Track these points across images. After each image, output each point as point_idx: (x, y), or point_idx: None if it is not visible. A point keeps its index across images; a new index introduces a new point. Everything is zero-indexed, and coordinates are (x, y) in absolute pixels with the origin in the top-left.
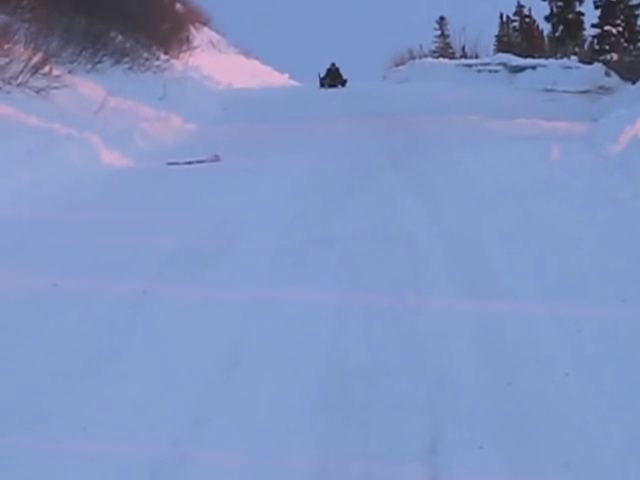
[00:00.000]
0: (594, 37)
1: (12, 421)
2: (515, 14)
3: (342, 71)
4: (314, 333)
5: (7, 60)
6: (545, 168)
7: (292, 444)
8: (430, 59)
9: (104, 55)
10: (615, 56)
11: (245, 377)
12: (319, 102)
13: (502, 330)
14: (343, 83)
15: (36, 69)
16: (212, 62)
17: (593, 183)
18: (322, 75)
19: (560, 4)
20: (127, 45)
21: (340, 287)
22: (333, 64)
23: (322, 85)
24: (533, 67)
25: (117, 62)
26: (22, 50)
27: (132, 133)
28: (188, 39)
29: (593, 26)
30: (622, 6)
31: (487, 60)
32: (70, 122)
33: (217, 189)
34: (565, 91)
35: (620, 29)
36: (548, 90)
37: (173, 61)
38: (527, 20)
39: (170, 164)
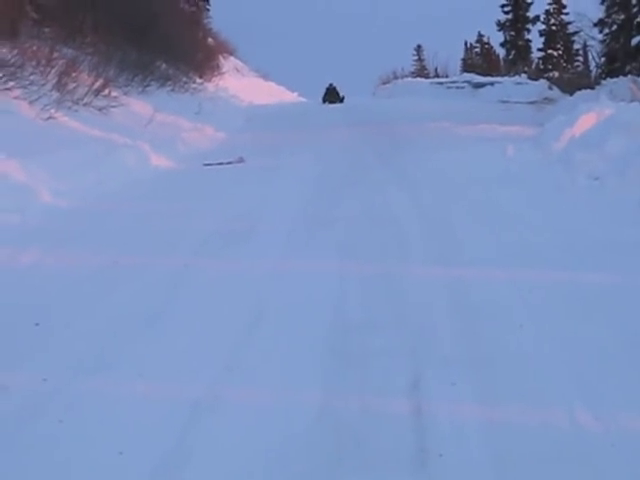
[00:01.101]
0: (539, 59)
1: (83, 369)
2: (477, 42)
3: (339, 89)
4: (321, 294)
5: (75, 85)
6: (502, 163)
7: (305, 384)
8: (410, 79)
9: (152, 80)
10: (556, 74)
11: (267, 330)
12: (322, 114)
13: (469, 291)
14: (341, 100)
15: (98, 92)
16: (237, 84)
17: (540, 174)
18: (323, 94)
19: (512, 33)
20: (170, 72)
21: (340, 257)
22: (331, 84)
23: (324, 101)
24: (491, 84)
25: (162, 85)
26: (87, 77)
27: (175, 141)
28: (218, 66)
29: (539, 50)
30: (561, 34)
31: (455, 79)
32: (125, 133)
33: (243, 184)
34: (517, 102)
35: (560, 52)
36: (503, 101)
37: (206, 84)
38: (486, 46)
39: (205, 165)
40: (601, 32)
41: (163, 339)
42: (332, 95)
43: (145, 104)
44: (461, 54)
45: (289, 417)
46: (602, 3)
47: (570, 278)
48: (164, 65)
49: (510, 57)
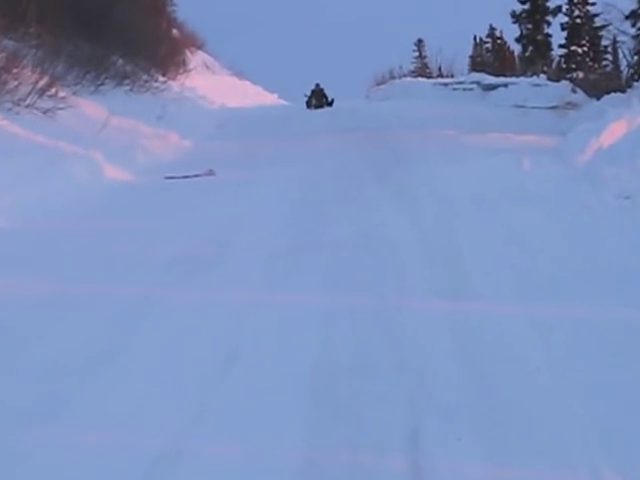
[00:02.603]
0: (561, 57)
1: (27, 417)
2: (487, 36)
3: (327, 91)
4: (304, 333)
5: (16, 83)
6: (517, 178)
7: (285, 437)
8: (409, 79)
9: (106, 78)
10: (581, 74)
11: (242, 373)
12: (306, 119)
13: (478, 329)
14: (330, 103)
15: (43, 91)
16: (207, 83)
17: (561, 191)
18: (307, 96)
19: (529, 26)
20: (128, 68)
21: (327, 290)
22: (317, 85)
23: (308, 106)
24: (505, 85)
25: (118, 84)
26: (30, 74)
27: (133, 150)
28: (184, 62)
29: (560, 46)
30: (587, 28)
31: (462, 79)
32: (75, 140)
33: (212, 201)
34: (535, 107)
35: (585, 49)
36: (519, 106)
37: (170, 83)
38: (499, 41)
39: (168, 178)
40: (634, 26)
41: (119, 383)
42: (319, 98)
43: (98, 106)
44: (469, 50)
45: (266, 477)
46: None
47: (596, 315)
48: (121, 60)
49: (527, 54)
